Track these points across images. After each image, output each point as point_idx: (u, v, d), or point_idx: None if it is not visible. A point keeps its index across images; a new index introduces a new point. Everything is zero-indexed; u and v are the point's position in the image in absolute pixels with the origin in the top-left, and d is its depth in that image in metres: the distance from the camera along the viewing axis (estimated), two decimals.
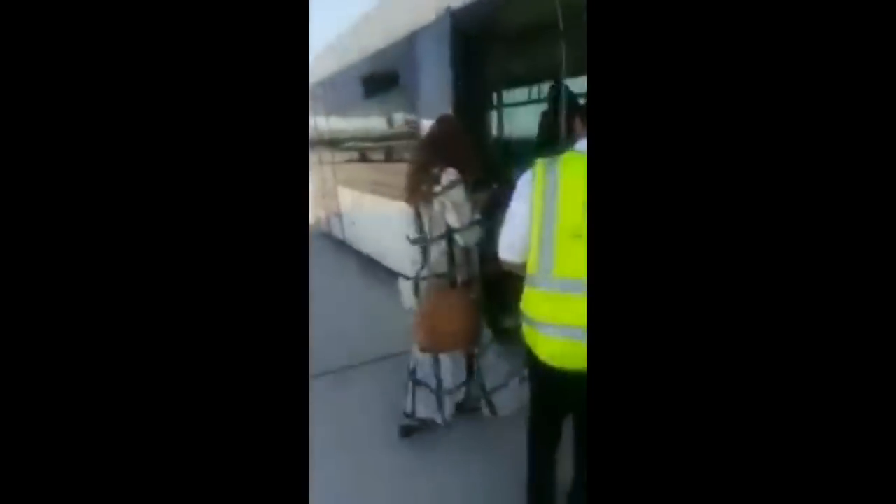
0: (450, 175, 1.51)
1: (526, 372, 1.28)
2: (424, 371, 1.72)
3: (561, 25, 1.86)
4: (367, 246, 4.07)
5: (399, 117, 3.05)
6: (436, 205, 1.54)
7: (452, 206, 1.52)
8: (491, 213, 1.64)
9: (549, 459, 1.28)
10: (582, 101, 2.86)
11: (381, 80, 3.24)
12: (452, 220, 1.53)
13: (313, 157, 4.93)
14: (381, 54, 3.15)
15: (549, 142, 2.93)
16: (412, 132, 2.79)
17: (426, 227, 1.59)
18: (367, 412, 1.98)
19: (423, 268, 1.63)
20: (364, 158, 3.88)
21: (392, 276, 3.29)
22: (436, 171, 1.53)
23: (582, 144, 1.07)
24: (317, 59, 4.31)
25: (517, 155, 3.19)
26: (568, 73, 2.04)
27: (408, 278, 1.66)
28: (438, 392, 1.69)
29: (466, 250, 1.61)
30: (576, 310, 0.96)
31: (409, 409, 1.76)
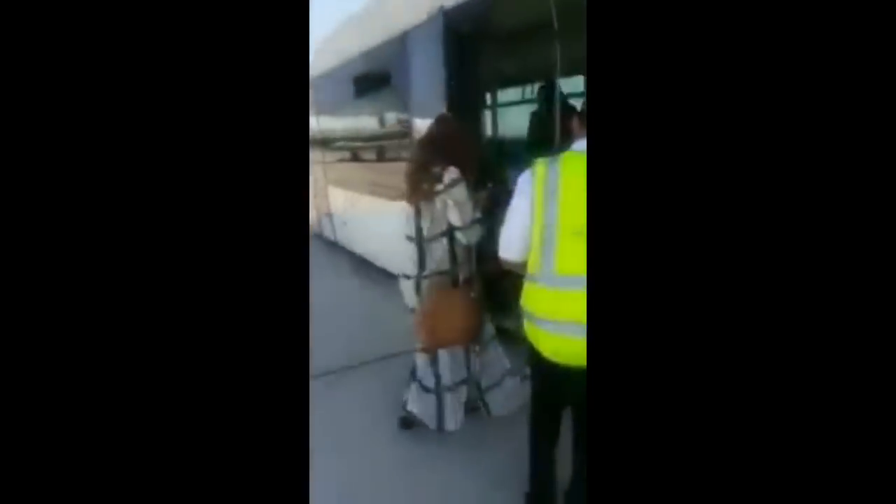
0: (451, 174, 1.52)
1: (525, 371, 1.29)
2: (424, 370, 1.72)
3: (555, 25, 1.86)
4: (360, 246, 4.04)
5: (391, 117, 3.03)
6: (437, 203, 1.55)
7: (455, 204, 1.53)
8: (490, 212, 1.65)
9: (549, 453, 1.30)
10: (574, 101, 2.87)
11: (373, 79, 3.22)
12: (455, 218, 1.54)
13: None
14: (372, 53, 3.13)
15: (539, 141, 2.94)
16: (405, 132, 2.77)
17: (427, 226, 1.59)
18: (364, 414, 1.97)
19: (423, 266, 1.63)
20: (356, 158, 3.85)
21: (386, 276, 3.28)
22: (437, 170, 1.53)
23: (580, 144, 1.09)
24: None
25: (510, 155, 3.20)
26: (562, 72, 2.04)
27: (409, 277, 1.66)
28: (438, 389, 1.69)
29: (468, 249, 1.63)
30: (577, 306, 0.97)
31: (408, 405, 1.77)
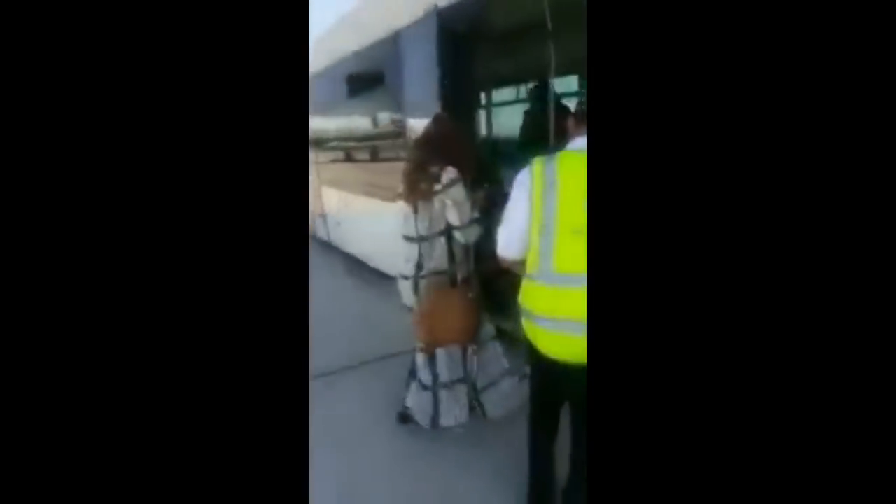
0: (450, 173, 1.53)
1: (524, 370, 1.30)
2: (422, 368, 1.73)
3: (549, 25, 1.86)
4: (354, 247, 4.03)
5: (384, 116, 3.02)
6: (436, 203, 1.55)
7: (453, 204, 1.53)
8: (487, 211, 1.66)
9: (548, 450, 1.31)
10: (568, 100, 2.88)
11: (366, 78, 3.20)
12: (453, 217, 1.55)
13: None
14: (365, 53, 3.11)
15: (532, 141, 2.94)
16: (398, 131, 2.76)
17: (425, 226, 1.60)
18: (360, 414, 1.96)
19: (420, 266, 1.63)
20: (349, 158, 3.83)
21: (380, 277, 3.27)
22: (435, 169, 1.54)
23: (576, 143, 1.10)
24: None
25: (505, 154, 3.20)
26: (556, 72, 2.04)
27: (407, 278, 1.66)
28: (434, 387, 1.69)
29: (466, 248, 1.63)
30: (575, 304, 0.98)
31: (407, 401, 1.79)
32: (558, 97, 2.40)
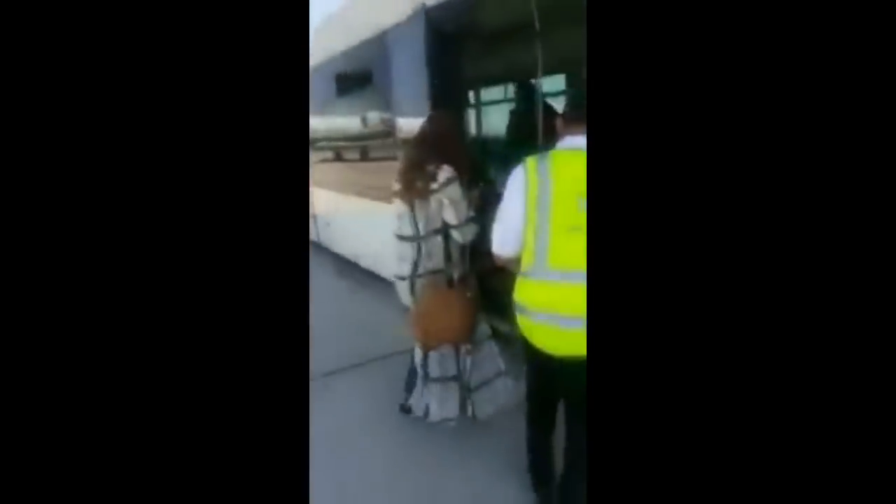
0: (446, 172, 1.52)
1: (522, 370, 1.30)
2: (419, 364, 1.74)
3: (537, 25, 1.87)
4: (344, 248, 4.00)
5: (374, 116, 3.00)
6: (432, 202, 1.55)
7: (450, 202, 1.53)
8: (482, 209, 1.66)
9: (546, 444, 1.33)
10: (555, 99, 2.90)
11: (354, 78, 3.18)
12: (450, 216, 1.55)
13: None
14: (353, 52, 3.09)
15: (519, 140, 2.95)
16: (388, 131, 2.75)
17: (421, 224, 1.59)
18: (356, 416, 1.95)
19: (415, 265, 1.63)
20: (338, 158, 3.80)
21: (370, 277, 3.25)
22: (431, 168, 1.53)
23: (566, 142, 1.11)
24: None
25: (494, 153, 3.21)
26: (544, 71, 2.06)
27: (403, 278, 1.66)
28: (427, 382, 1.71)
29: (462, 247, 1.63)
30: (569, 298, 1.01)
31: (406, 396, 1.83)
32: (545, 96, 2.41)
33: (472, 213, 1.59)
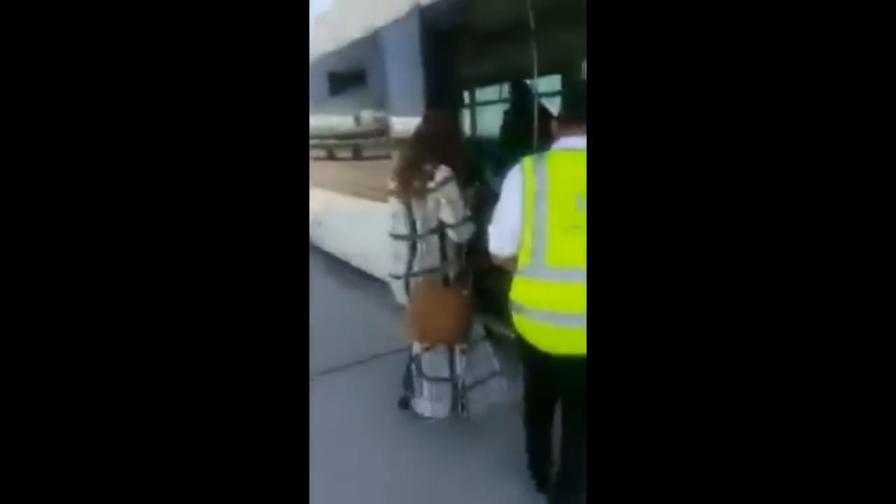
0: (443, 171, 1.52)
1: (518, 368, 1.31)
2: (416, 359, 1.75)
3: (532, 25, 1.86)
4: (336, 247, 3.97)
5: (367, 115, 2.98)
6: (429, 201, 1.54)
7: (447, 202, 1.53)
8: (478, 209, 1.66)
9: (544, 443, 1.34)
10: (550, 99, 2.90)
11: (348, 76, 3.16)
12: (447, 216, 1.55)
13: None
14: (347, 50, 3.07)
15: (513, 140, 2.95)
16: (381, 130, 2.73)
17: (418, 224, 1.59)
18: (352, 415, 1.95)
19: (411, 264, 1.63)
20: (331, 157, 3.77)
21: (361, 276, 3.23)
22: (428, 167, 1.53)
23: (562, 143, 1.11)
24: None
25: (489, 153, 3.20)
26: (539, 71, 2.06)
27: (398, 277, 1.65)
28: (420, 377, 1.73)
29: (458, 246, 1.63)
30: (566, 296, 1.01)
31: (404, 387, 1.85)
32: (540, 97, 2.41)
33: (468, 213, 1.59)
